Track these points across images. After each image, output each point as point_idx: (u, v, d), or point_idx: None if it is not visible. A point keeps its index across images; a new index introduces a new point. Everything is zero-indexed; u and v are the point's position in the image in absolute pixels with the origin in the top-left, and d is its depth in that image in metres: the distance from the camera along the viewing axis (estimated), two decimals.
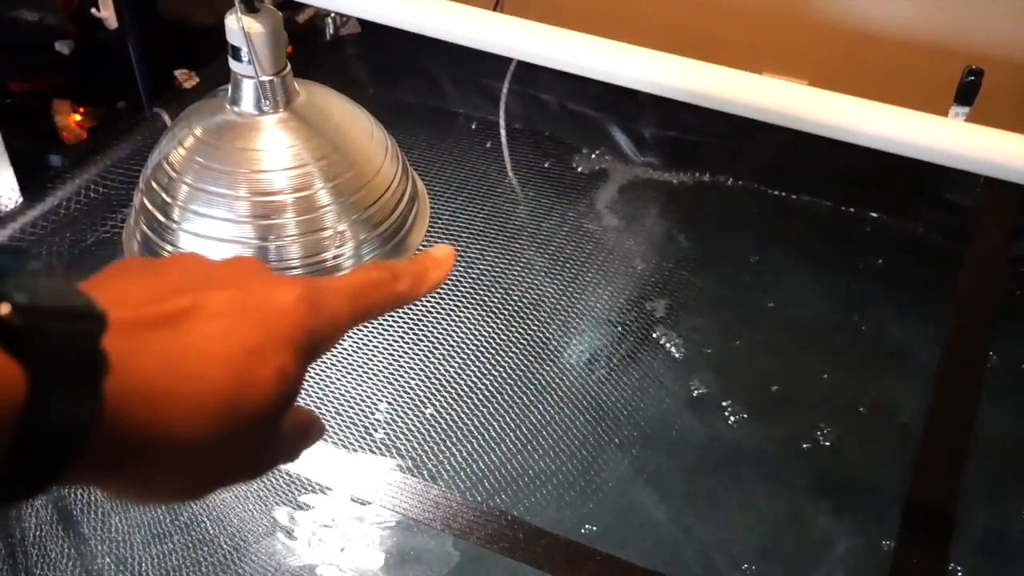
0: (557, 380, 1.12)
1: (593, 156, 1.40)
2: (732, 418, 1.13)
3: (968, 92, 1.07)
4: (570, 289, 1.21)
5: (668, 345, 1.19)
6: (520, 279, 1.20)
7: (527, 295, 1.19)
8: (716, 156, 1.37)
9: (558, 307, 1.19)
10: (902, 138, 0.86)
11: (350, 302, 0.37)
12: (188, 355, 0.31)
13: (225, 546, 0.97)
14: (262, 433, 0.33)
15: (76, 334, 0.27)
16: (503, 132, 1.37)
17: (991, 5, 1.30)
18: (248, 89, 0.65)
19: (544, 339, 1.16)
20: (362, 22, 1.40)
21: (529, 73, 1.36)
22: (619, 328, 1.19)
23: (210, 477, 0.33)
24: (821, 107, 0.92)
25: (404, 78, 1.48)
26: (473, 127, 1.43)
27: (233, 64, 0.65)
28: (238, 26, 0.62)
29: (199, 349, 0.31)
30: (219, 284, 0.34)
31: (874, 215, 1.32)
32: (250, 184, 0.64)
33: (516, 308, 1.17)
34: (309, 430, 0.39)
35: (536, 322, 1.17)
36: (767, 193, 1.36)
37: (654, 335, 1.19)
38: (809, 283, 1.27)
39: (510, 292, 1.19)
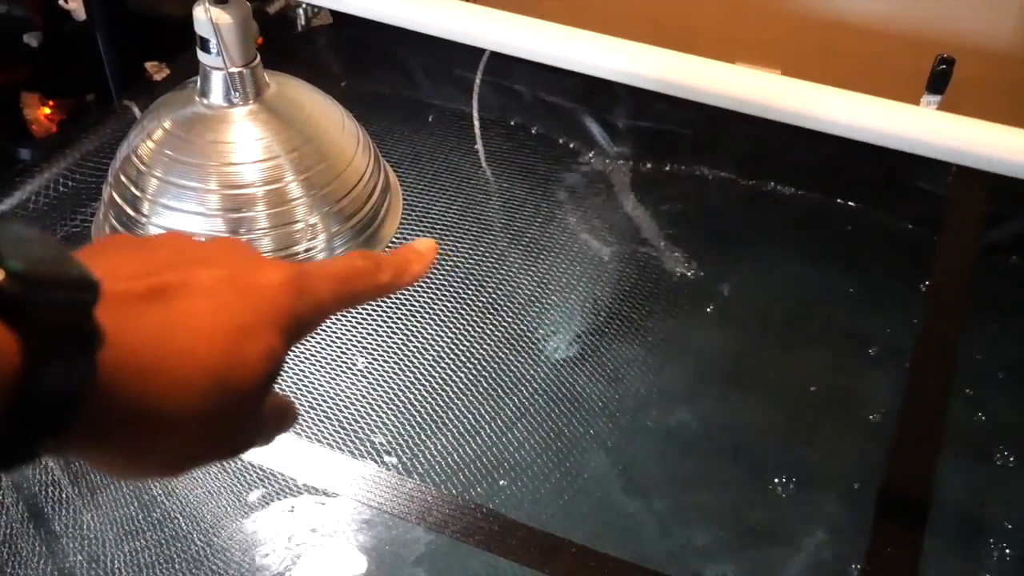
0: (532, 372, 1.12)
1: (567, 147, 1.40)
2: (706, 409, 1.13)
3: (940, 81, 1.08)
4: (544, 280, 1.21)
5: (642, 335, 1.19)
6: (494, 271, 1.20)
7: (501, 287, 1.19)
8: (690, 146, 1.37)
9: (532, 298, 1.19)
10: (874, 127, 0.87)
11: (334, 288, 0.38)
12: (178, 330, 0.31)
13: (198, 542, 0.97)
14: (246, 411, 0.34)
15: (71, 304, 0.27)
16: (476, 123, 1.37)
17: None
18: (217, 81, 0.65)
19: (519, 331, 1.16)
20: (334, 13, 1.39)
21: (502, 64, 1.35)
22: (593, 319, 1.19)
23: (193, 453, 0.33)
24: (793, 96, 0.92)
25: (376, 69, 1.47)
26: (446, 118, 1.42)
27: (202, 56, 0.64)
28: (206, 17, 0.62)
29: (189, 325, 0.31)
30: (207, 262, 0.34)
31: (846, 204, 1.33)
32: (220, 177, 0.63)
33: (490, 300, 1.17)
34: (285, 414, 0.39)
35: (510, 314, 1.17)
36: (740, 183, 1.36)
37: (628, 326, 1.19)
38: (782, 272, 1.28)
39: (484, 284, 1.18)
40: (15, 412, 0.26)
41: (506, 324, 1.15)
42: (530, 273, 1.21)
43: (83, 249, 0.34)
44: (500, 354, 1.12)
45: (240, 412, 0.33)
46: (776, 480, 1.06)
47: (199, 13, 0.62)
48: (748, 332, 1.21)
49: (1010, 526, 1.03)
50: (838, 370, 1.17)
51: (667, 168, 1.39)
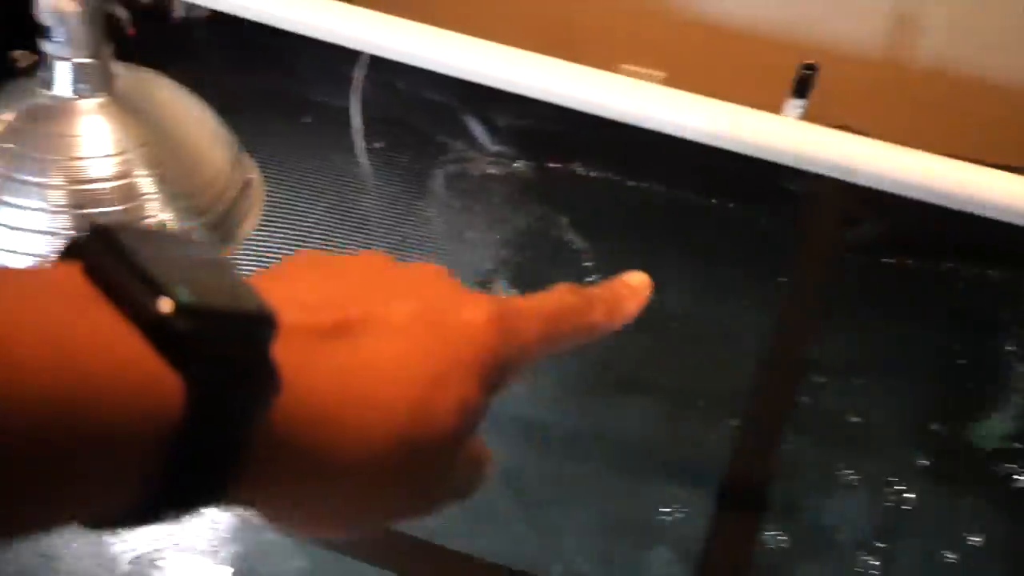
0: None
1: (448, 145, 1.40)
2: (579, 409, 1.14)
3: (803, 86, 1.12)
4: None
5: None
6: None
7: None
8: (571, 146, 1.38)
9: None
10: (732, 135, 0.89)
11: (543, 328, 0.33)
12: (363, 373, 0.28)
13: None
14: (435, 468, 0.30)
15: (246, 342, 0.24)
16: (357, 120, 1.36)
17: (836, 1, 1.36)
18: (63, 71, 0.63)
19: None
20: None
21: (384, 61, 1.34)
22: None
23: (374, 511, 0.30)
24: (659, 105, 0.95)
25: (258, 64, 1.45)
26: (327, 115, 1.41)
27: (44, 43, 0.62)
28: (49, 2, 0.60)
29: (376, 368, 0.28)
30: (403, 293, 0.30)
31: (716, 203, 1.36)
32: (66, 172, 0.62)
33: None
34: (481, 466, 0.35)
35: None
36: (620, 183, 1.38)
37: None
38: (660, 271, 1.29)
39: None
40: (174, 463, 0.22)
41: None
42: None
43: (265, 272, 0.30)
44: None
45: (428, 468, 0.29)
46: (645, 474, 1.08)
47: None
48: (624, 331, 1.22)
49: (851, 525, 1.06)
50: (707, 365, 1.19)
51: (548, 167, 1.40)
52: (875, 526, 1.05)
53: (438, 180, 1.34)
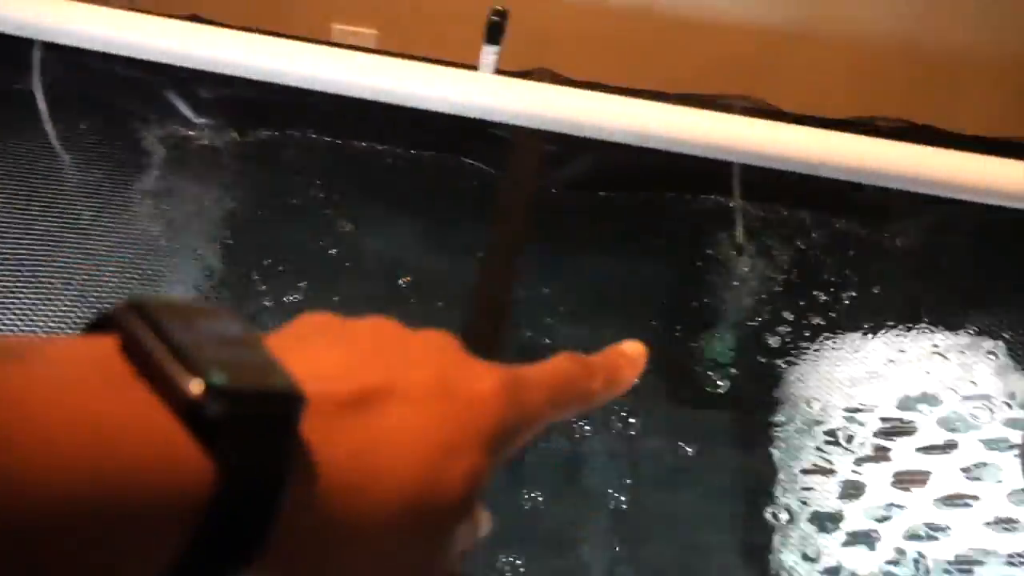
0: None
1: (149, 121, 1.35)
2: None
3: (495, 32, 1.15)
4: (134, 266, 1.17)
5: (259, 299, 1.19)
6: (77, 262, 1.14)
7: (87, 278, 1.13)
8: (279, 111, 1.37)
9: (125, 287, 1.15)
10: (428, 95, 0.93)
11: (549, 397, 0.34)
12: (379, 445, 0.28)
13: None
14: (443, 533, 0.30)
15: (275, 422, 0.24)
16: (42, 104, 1.27)
17: None
18: None
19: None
20: None
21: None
22: (193, 285, 1.17)
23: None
24: (364, 71, 0.97)
25: None
26: (10, 102, 1.31)
27: None
28: None
29: (391, 439, 0.28)
30: (414, 362, 0.30)
31: (427, 154, 1.39)
32: None
33: (79, 291, 1.11)
34: (479, 525, 0.35)
35: (98, 304, 1.12)
36: (333, 144, 1.39)
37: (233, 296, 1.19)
38: (372, 222, 1.31)
39: (67, 276, 1.12)
40: (202, 540, 0.23)
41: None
42: (118, 261, 1.16)
43: (280, 334, 0.29)
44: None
45: (436, 534, 0.30)
46: None
47: None
48: (346, 283, 1.22)
49: (593, 465, 1.14)
50: (428, 301, 1.22)
51: (257, 135, 1.38)
52: (615, 459, 1.14)
53: (144, 156, 1.30)
